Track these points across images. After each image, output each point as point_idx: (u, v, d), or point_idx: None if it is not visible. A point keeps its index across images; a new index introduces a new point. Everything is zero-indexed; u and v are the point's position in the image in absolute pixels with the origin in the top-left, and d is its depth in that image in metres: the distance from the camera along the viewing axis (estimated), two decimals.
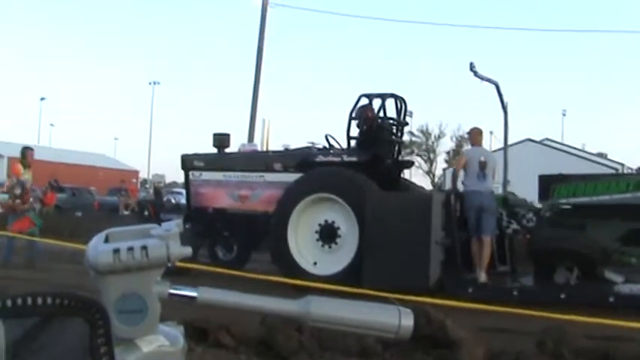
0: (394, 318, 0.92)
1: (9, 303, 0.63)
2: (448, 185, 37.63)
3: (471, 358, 4.09)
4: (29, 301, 0.64)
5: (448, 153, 61.32)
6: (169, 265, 0.87)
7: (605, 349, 4.40)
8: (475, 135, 9.65)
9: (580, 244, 8.33)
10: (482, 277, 8.77)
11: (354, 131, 10.14)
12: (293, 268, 9.17)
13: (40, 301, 0.65)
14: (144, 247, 0.84)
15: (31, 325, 0.64)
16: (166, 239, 0.86)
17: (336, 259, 9.28)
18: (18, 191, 10.75)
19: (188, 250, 0.89)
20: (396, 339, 0.93)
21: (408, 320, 0.92)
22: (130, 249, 0.84)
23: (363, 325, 0.93)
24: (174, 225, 0.89)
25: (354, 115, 10.05)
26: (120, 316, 0.83)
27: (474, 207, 8.86)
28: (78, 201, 31.28)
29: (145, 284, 0.85)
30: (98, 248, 0.84)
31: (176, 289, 0.88)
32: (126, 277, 0.84)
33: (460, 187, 9.43)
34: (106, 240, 0.86)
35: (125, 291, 0.84)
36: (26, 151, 11.40)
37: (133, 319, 0.84)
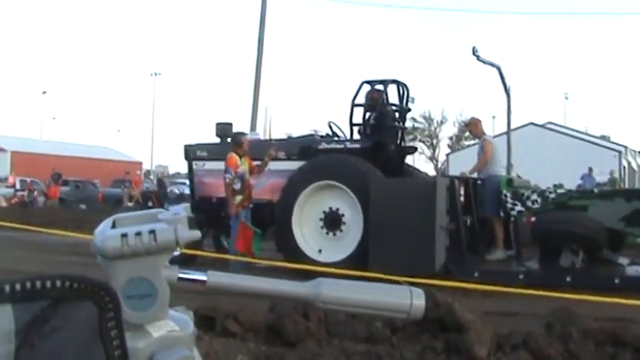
0: (406, 298, 0.90)
1: (18, 287, 0.62)
2: (452, 171, 37.67)
3: (479, 340, 4.09)
4: (38, 284, 0.63)
5: (451, 138, 61.35)
6: (178, 250, 0.86)
7: (613, 330, 4.39)
8: (480, 124, 10.31)
9: (585, 226, 8.28)
10: (501, 254, 9.42)
11: (357, 118, 10.14)
12: (298, 256, 9.17)
13: (49, 284, 0.64)
14: (152, 232, 0.83)
15: (41, 308, 0.64)
16: (174, 223, 0.85)
17: (340, 247, 9.29)
18: (238, 186, 9.17)
19: (197, 234, 0.88)
20: (407, 319, 0.92)
21: (419, 300, 0.91)
22: (138, 234, 0.83)
23: (373, 306, 0.91)
24: (183, 209, 0.88)
25: (363, 101, 10.06)
26: (129, 302, 0.82)
27: (498, 189, 9.30)
28: (82, 193, 31.42)
29: (153, 269, 0.85)
30: (105, 233, 0.84)
31: (185, 273, 0.88)
32: (134, 261, 0.83)
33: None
34: (114, 225, 0.85)
35: (133, 276, 0.83)
36: (240, 137, 9.51)
37: (142, 304, 0.84)
